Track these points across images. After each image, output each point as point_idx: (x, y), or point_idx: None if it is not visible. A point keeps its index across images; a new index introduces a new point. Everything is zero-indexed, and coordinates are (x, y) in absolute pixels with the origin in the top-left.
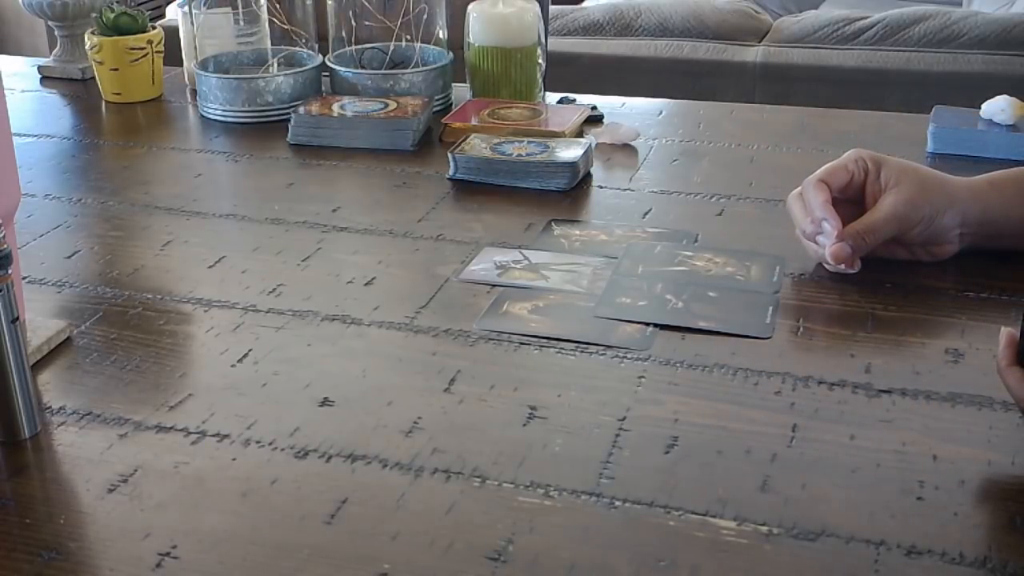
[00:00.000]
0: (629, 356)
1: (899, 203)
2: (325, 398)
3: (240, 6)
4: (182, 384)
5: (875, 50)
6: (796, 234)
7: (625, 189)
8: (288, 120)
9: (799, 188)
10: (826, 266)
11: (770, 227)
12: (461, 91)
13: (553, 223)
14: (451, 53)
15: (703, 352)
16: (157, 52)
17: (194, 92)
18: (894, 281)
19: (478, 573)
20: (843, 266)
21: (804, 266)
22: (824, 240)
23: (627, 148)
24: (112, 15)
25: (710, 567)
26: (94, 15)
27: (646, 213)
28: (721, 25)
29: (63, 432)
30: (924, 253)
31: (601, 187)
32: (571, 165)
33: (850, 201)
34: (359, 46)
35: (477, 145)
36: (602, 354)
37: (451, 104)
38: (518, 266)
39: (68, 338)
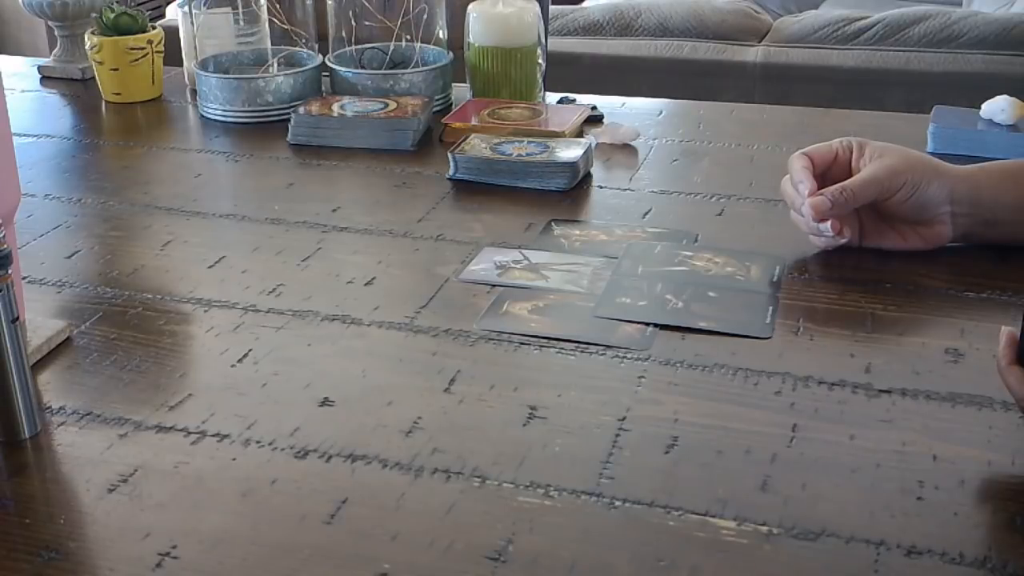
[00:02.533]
0: (629, 356)
1: (879, 168)
2: (325, 398)
3: (240, 6)
4: (182, 384)
5: (875, 50)
6: (792, 218)
7: (625, 189)
8: (288, 120)
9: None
10: (816, 241)
11: (770, 227)
12: (461, 91)
13: (553, 223)
14: (451, 53)
15: (703, 352)
16: (157, 52)
17: (194, 92)
18: (894, 281)
19: (478, 573)
20: (830, 232)
21: (804, 266)
22: (806, 211)
23: (627, 148)
24: (112, 15)
25: (710, 567)
26: (94, 15)
27: (646, 213)
28: (721, 25)
29: (63, 432)
30: (916, 238)
31: (601, 187)
32: (571, 165)
33: (838, 182)
34: (359, 46)
35: (477, 145)
36: (602, 354)
37: (451, 104)
38: (518, 266)
39: (68, 338)
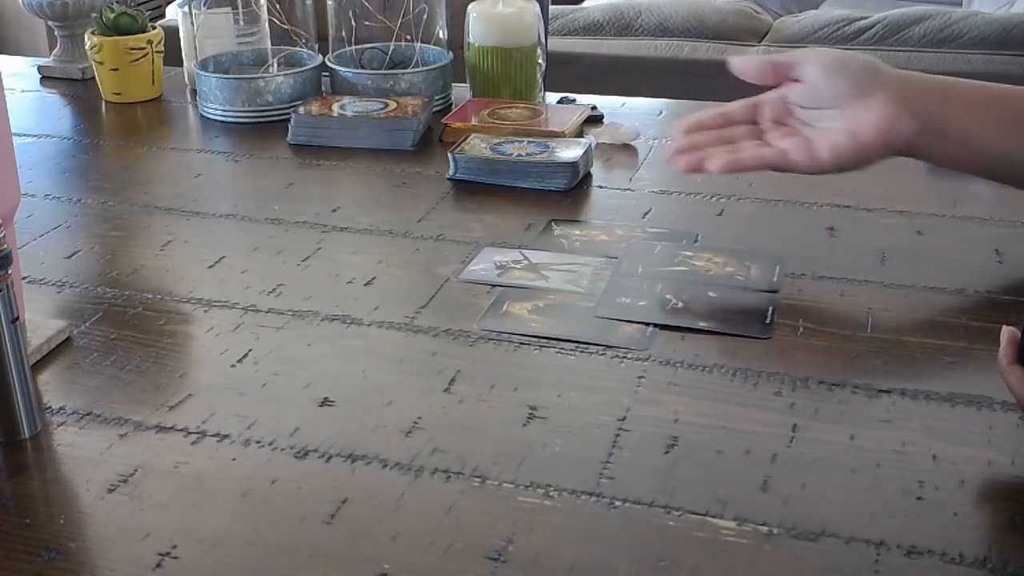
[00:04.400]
0: (629, 356)
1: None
2: (325, 398)
3: (240, 6)
4: (182, 384)
5: (875, 50)
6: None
7: (625, 189)
8: (288, 120)
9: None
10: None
11: (770, 227)
12: (461, 91)
13: (553, 223)
14: (451, 53)
15: (703, 352)
16: (157, 52)
17: (194, 92)
18: (894, 281)
19: (478, 573)
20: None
21: (804, 266)
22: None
23: (627, 148)
24: (112, 15)
25: (710, 567)
26: (94, 15)
27: (646, 213)
28: (721, 25)
29: (63, 432)
30: (865, 123)
31: (601, 187)
32: (571, 165)
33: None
34: (359, 46)
35: (477, 145)
36: (602, 354)
37: (451, 104)
38: (518, 266)
39: (68, 338)
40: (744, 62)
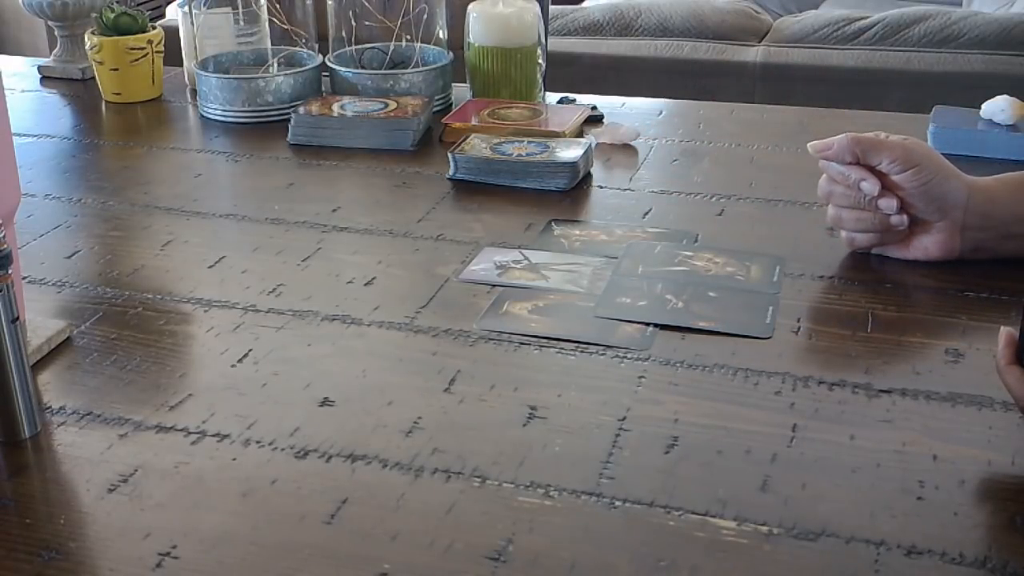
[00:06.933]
0: (629, 356)
1: (907, 139)
2: (325, 398)
3: (240, 6)
4: (182, 384)
5: (875, 50)
6: (830, 216)
7: (625, 189)
8: (288, 120)
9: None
10: (855, 240)
11: (770, 227)
12: (461, 91)
13: (553, 223)
14: (451, 53)
15: (703, 352)
16: (157, 52)
17: (194, 92)
18: (894, 281)
19: (478, 573)
20: (893, 209)
21: (804, 266)
22: (868, 187)
23: (627, 148)
24: (112, 15)
25: (710, 567)
26: (94, 15)
27: (646, 213)
28: (721, 25)
29: (63, 432)
30: (930, 243)
31: (601, 187)
32: (571, 165)
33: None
34: (359, 46)
35: (477, 145)
36: (602, 354)
37: (451, 104)
38: (518, 266)
39: (68, 338)
40: (823, 145)
